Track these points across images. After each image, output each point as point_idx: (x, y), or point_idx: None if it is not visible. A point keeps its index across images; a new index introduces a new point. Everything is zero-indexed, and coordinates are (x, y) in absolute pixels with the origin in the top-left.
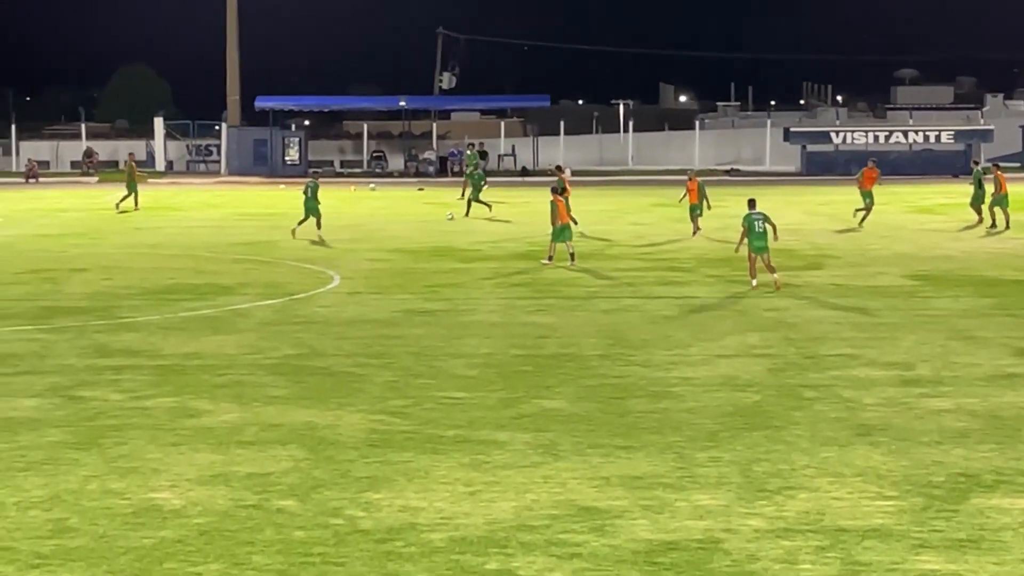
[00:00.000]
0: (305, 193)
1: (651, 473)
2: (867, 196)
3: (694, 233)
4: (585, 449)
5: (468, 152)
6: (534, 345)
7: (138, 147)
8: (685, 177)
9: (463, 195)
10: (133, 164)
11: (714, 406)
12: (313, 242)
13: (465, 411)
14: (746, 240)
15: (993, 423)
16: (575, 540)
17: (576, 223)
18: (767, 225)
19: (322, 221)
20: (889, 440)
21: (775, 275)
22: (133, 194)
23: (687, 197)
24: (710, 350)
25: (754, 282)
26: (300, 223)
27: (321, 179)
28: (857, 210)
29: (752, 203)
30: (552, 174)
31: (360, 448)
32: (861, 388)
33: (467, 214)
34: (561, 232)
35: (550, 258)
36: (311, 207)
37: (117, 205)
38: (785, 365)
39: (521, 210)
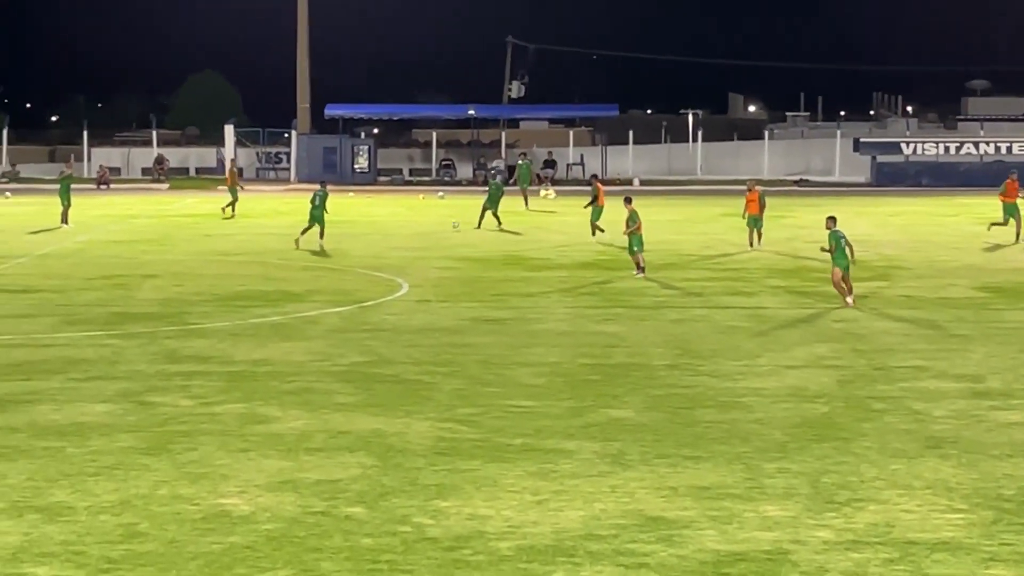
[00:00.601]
0: (312, 202)
1: (719, 484)
2: (1011, 209)
3: (751, 245)
4: (653, 459)
5: (520, 162)
6: (602, 354)
7: (208, 154)
8: (744, 188)
9: (527, 204)
10: (235, 171)
11: (782, 417)
12: (315, 252)
13: (533, 420)
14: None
15: None
16: (643, 550)
17: (603, 231)
18: (847, 244)
19: (326, 231)
20: (959, 453)
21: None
22: (235, 200)
23: (747, 208)
24: (778, 361)
25: (849, 299)
26: (304, 231)
27: (390, 188)
28: (993, 224)
29: (833, 220)
30: (621, 184)
31: (428, 456)
32: (931, 400)
33: (499, 224)
34: (636, 240)
35: (641, 269)
36: (317, 216)
37: (223, 210)
38: (854, 376)
39: (589, 219)
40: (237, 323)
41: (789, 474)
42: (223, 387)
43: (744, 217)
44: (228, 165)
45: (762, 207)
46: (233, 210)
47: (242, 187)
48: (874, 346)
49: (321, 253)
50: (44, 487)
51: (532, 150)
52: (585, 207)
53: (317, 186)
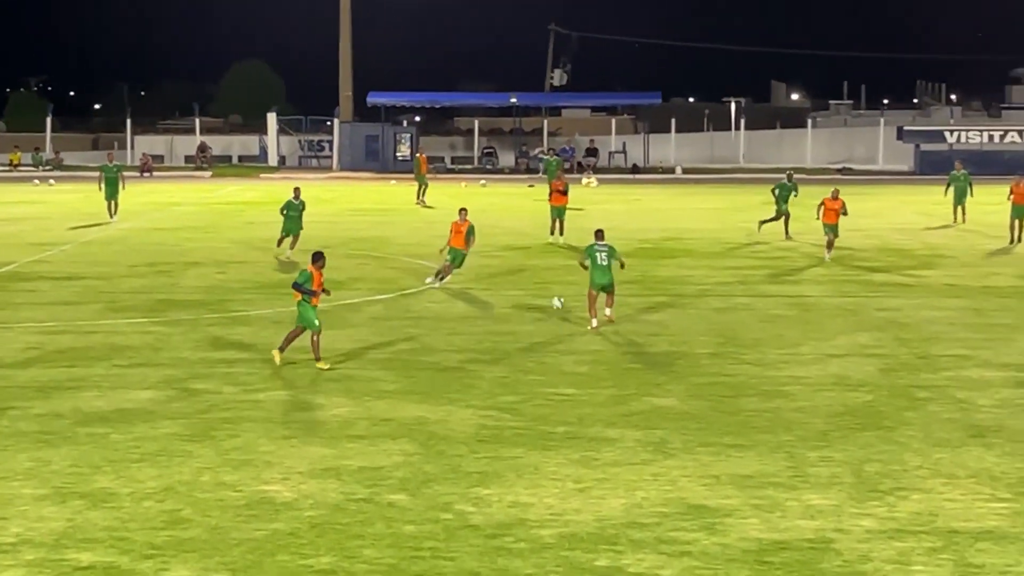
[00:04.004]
0: (284, 212)
1: (762, 472)
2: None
3: (827, 252)
4: (695, 447)
5: (547, 157)
6: (645, 343)
7: (251, 142)
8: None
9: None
10: (423, 159)
11: (825, 406)
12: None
13: (575, 408)
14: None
15: None
16: (685, 538)
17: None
18: (612, 259)
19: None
20: (1003, 442)
21: (608, 311)
22: (424, 187)
23: (825, 215)
24: (822, 349)
25: (594, 322)
26: (280, 242)
27: (432, 175)
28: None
29: (599, 234)
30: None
31: (470, 443)
32: (975, 389)
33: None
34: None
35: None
36: (292, 226)
37: (418, 199)
38: (897, 365)
39: (631, 207)
40: (279, 311)
41: (832, 463)
42: (266, 374)
43: (819, 219)
44: (418, 154)
45: (841, 214)
46: (421, 198)
47: (428, 177)
48: (917, 335)
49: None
50: (88, 473)
51: (574, 138)
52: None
53: (290, 194)
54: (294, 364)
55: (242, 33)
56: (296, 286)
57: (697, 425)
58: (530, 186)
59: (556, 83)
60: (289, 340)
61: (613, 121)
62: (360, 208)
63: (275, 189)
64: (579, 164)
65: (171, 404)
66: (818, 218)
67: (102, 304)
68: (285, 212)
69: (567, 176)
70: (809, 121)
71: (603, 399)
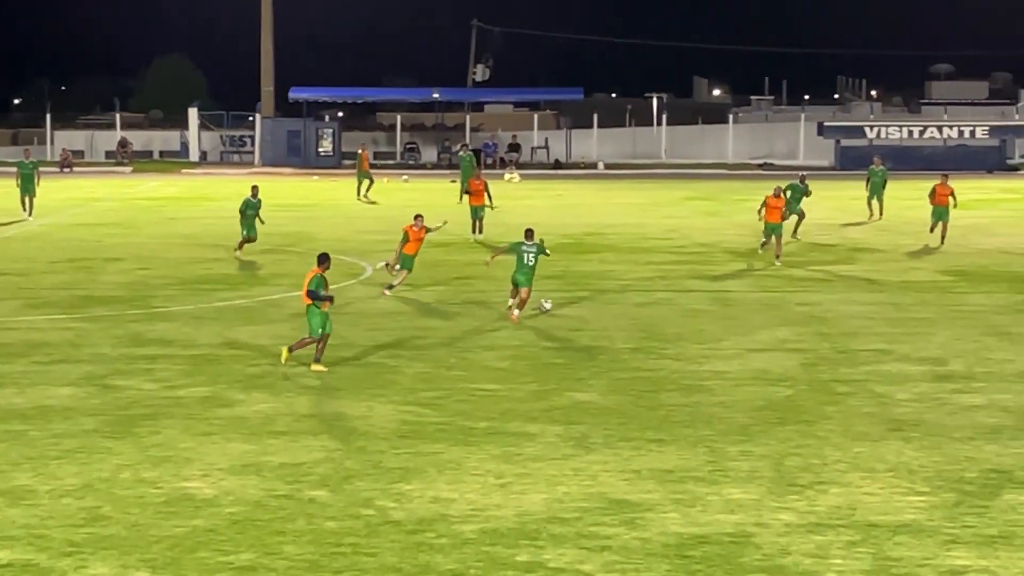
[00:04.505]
0: (243, 211)
1: (682, 467)
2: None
3: (761, 249)
4: (616, 442)
5: (462, 153)
6: (566, 337)
7: (172, 138)
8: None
9: (461, 198)
10: (365, 155)
11: (746, 400)
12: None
13: (496, 403)
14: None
15: None
16: (606, 533)
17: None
18: (538, 260)
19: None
20: (921, 436)
21: (517, 312)
22: (367, 183)
23: (768, 214)
24: (742, 344)
25: (515, 312)
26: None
27: (354, 171)
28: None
29: (528, 233)
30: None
31: (391, 439)
32: (894, 383)
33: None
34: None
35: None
36: (249, 225)
37: (360, 195)
38: (817, 359)
39: (553, 202)
40: (201, 306)
41: (752, 457)
42: (187, 370)
43: (760, 219)
44: (360, 150)
45: (785, 217)
46: (361, 194)
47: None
48: (838, 329)
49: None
50: (6, 471)
51: (497, 133)
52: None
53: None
54: (216, 361)
55: (164, 27)
56: (312, 294)
57: (618, 420)
58: (452, 181)
59: (479, 79)
60: (320, 350)
61: (536, 116)
62: (282, 204)
63: (196, 185)
64: (502, 160)
65: (91, 401)
66: (760, 218)
67: (21, 300)
68: (244, 211)
69: (490, 172)
70: (730, 117)
71: (524, 394)
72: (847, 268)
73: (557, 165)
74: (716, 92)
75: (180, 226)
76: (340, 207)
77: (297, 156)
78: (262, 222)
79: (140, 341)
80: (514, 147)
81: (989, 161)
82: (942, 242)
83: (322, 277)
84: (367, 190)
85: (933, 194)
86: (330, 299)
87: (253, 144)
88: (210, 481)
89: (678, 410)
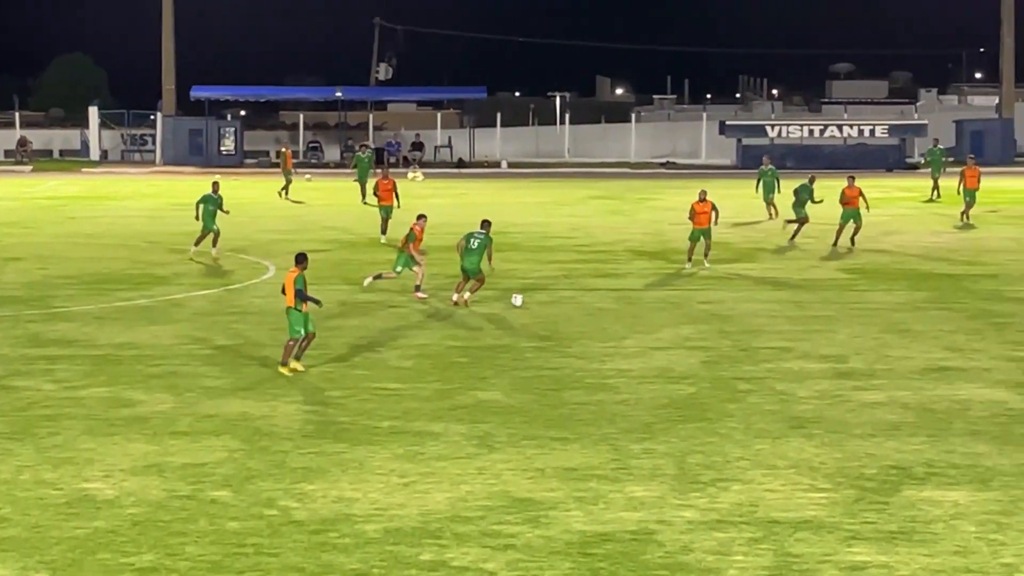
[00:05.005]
0: (202, 206)
1: (585, 465)
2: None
3: (689, 260)
4: (520, 441)
5: (359, 153)
6: (470, 336)
7: (73, 136)
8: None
9: (364, 198)
10: (288, 153)
11: (649, 398)
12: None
13: (400, 402)
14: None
15: (925, 416)
16: (509, 531)
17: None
18: (483, 248)
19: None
20: (822, 432)
21: (468, 295)
22: (288, 182)
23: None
24: (645, 342)
25: (455, 296)
26: (199, 240)
27: (256, 170)
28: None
29: (484, 224)
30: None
31: (295, 439)
32: (795, 381)
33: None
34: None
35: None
36: (209, 222)
37: (282, 193)
38: (719, 357)
39: (457, 201)
40: (102, 306)
41: (655, 455)
42: (88, 371)
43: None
44: (283, 149)
45: (713, 221)
46: (285, 193)
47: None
48: (740, 327)
49: (193, 257)
50: None
51: (400, 132)
52: None
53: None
54: (117, 362)
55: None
56: (300, 293)
57: (522, 418)
58: (356, 180)
59: (382, 77)
60: (302, 348)
61: (439, 115)
62: (184, 203)
63: (97, 184)
64: (405, 159)
65: None
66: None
67: None
68: (202, 205)
69: (393, 171)
70: (633, 116)
71: (428, 393)
72: (749, 267)
73: (460, 164)
74: (619, 91)
75: (81, 225)
76: (243, 206)
77: (199, 155)
78: (225, 212)
79: (40, 342)
80: (417, 146)
81: (889, 160)
82: (852, 244)
83: (303, 277)
84: (284, 189)
85: (842, 196)
86: (317, 301)
87: (154, 143)
88: (111, 482)
89: (581, 408)
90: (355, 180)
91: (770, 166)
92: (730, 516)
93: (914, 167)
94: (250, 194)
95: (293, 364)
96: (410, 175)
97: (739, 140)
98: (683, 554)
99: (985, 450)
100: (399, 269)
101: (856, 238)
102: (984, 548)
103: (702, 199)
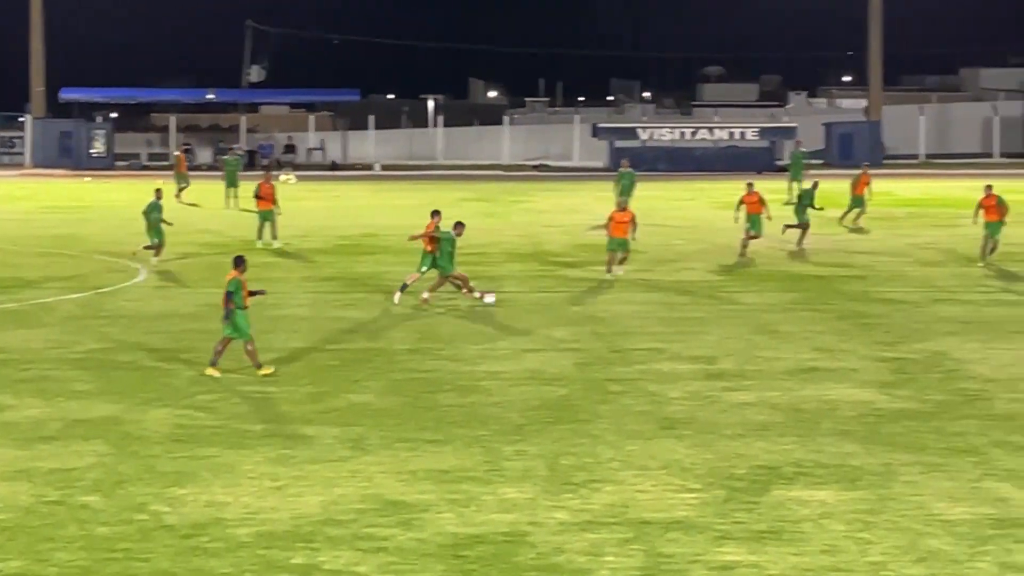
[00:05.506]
0: (148, 214)
1: (458, 467)
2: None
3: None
4: (393, 443)
5: (228, 157)
6: (342, 339)
7: None
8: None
9: (234, 203)
10: (182, 157)
11: (521, 400)
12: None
13: (273, 406)
14: None
15: (794, 416)
16: (381, 534)
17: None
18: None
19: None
20: (693, 433)
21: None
22: (186, 185)
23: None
24: (518, 344)
25: (425, 294)
26: (154, 248)
27: (128, 172)
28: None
29: (456, 225)
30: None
31: (166, 443)
32: (667, 382)
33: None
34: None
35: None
36: (157, 229)
37: (179, 198)
38: (592, 359)
39: (330, 204)
40: None
41: (527, 456)
42: None
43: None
44: (179, 152)
45: (632, 232)
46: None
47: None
48: (612, 329)
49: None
50: None
51: (273, 135)
52: None
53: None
54: None
55: None
56: (230, 296)
57: (394, 421)
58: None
59: (254, 79)
60: (218, 353)
61: (312, 118)
62: (53, 206)
63: None
64: (278, 161)
65: None
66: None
67: None
68: (148, 214)
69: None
70: (506, 118)
71: (301, 396)
72: (621, 268)
73: (334, 167)
74: (492, 93)
75: None
76: (113, 209)
77: (69, 157)
78: (168, 224)
79: None
80: (290, 148)
81: (759, 162)
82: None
83: (240, 279)
84: (179, 192)
85: (740, 204)
86: (230, 309)
87: (23, 145)
88: None
89: (454, 410)
90: (225, 183)
91: (628, 169)
92: (602, 517)
93: (784, 169)
94: (121, 197)
95: (262, 372)
96: (283, 178)
97: (611, 142)
98: (555, 555)
99: (853, 449)
100: (424, 269)
101: (748, 247)
102: (852, 547)
103: (622, 208)
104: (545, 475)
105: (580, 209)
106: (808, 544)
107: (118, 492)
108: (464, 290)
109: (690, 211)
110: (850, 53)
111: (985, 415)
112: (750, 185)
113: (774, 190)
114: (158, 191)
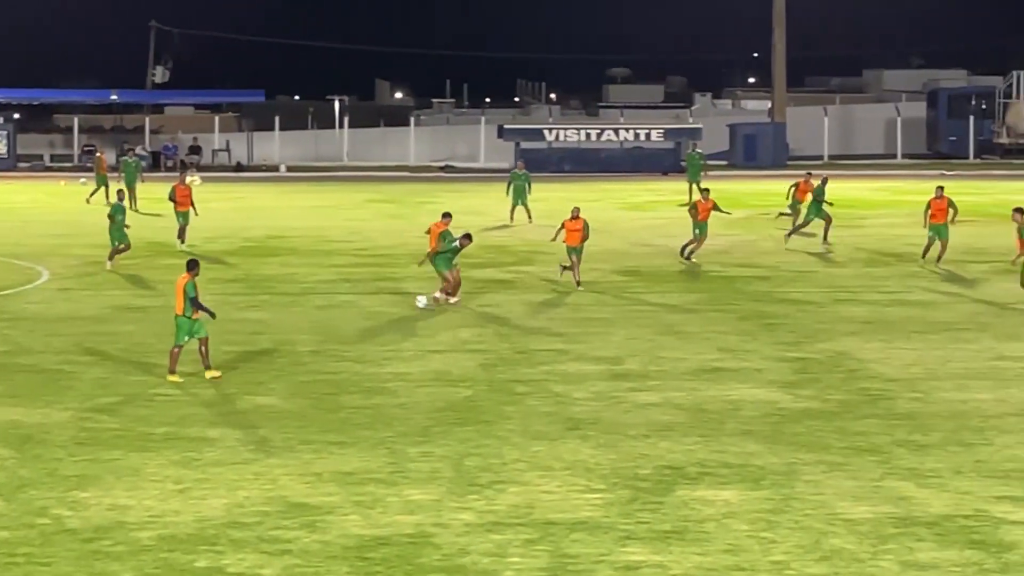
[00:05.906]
0: (114, 218)
1: (363, 469)
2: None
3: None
4: (297, 445)
5: (126, 159)
6: (247, 341)
7: None
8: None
9: (134, 204)
10: (103, 158)
11: (426, 401)
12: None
13: (176, 408)
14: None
15: (698, 416)
16: (286, 536)
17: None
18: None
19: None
20: (598, 434)
21: (453, 298)
22: (103, 187)
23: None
24: (423, 345)
25: (452, 299)
26: (120, 253)
27: (30, 173)
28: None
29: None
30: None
31: (68, 446)
32: (572, 382)
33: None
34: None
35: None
36: (119, 234)
37: (88, 200)
38: (497, 360)
39: (235, 205)
40: None
41: (432, 458)
42: None
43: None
44: (98, 153)
45: (584, 238)
46: (106, 197)
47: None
48: (517, 330)
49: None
50: None
51: (177, 135)
52: None
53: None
54: None
55: None
56: (195, 301)
57: (299, 423)
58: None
59: (158, 80)
60: (204, 355)
61: (216, 119)
62: None
63: None
64: (182, 162)
65: None
66: (555, 239)
67: None
68: (114, 217)
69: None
70: (412, 119)
71: (205, 399)
72: (526, 269)
73: (239, 168)
74: (398, 95)
75: None
76: (15, 210)
77: None
78: (127, 227)
79: None
80: (195, 149)
81: (664, 163)
82: (685, 255)
83: (195, 283)
84: (92, 194)
85: (694, 209)
86: (211, 312)
87: None
88: None
89: (359, 412)
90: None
91: (523, 171)
92: (507, 518)
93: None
94: (23, 198)
95: (209, 373)
96: (187, 179)
97: (517, 144)
98: (460, 556)
99: (756, 449)
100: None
101: (691, 251)
102: (755, 546)
103: (574, 216)
104: (450, 476)
105: (486, 211)
106: (712, 544)
107: (19, 496)
108: (443, 293)
109: (596, 212)
110: (755, 55)
111: (887, 414)
112: (705, 191)
113: (681, 191)
114: (120, 192)
